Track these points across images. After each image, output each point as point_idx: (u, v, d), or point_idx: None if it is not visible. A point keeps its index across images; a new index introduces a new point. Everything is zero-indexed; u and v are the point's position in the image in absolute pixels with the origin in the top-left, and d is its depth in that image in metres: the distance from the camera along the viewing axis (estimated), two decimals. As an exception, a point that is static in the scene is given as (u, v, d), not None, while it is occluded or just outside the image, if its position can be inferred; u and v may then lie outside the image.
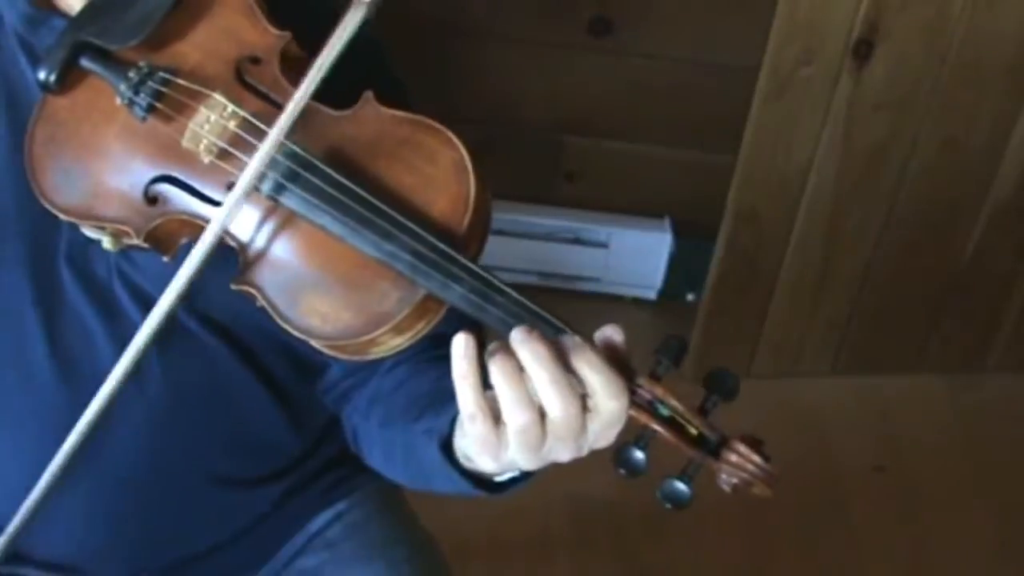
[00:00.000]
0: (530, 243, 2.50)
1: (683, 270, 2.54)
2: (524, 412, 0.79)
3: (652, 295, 2.58)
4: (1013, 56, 2.08)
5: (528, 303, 0.83)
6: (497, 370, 0.79)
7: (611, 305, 2.57)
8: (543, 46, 2.35)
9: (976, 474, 2.32)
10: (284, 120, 0.85)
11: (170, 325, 0.90)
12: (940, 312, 2.43)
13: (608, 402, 0.79)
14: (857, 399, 2.45)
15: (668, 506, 0.83)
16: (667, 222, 2.52)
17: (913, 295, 2.40)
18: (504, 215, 2.47)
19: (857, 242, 2.30)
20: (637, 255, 2.52)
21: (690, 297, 2.56)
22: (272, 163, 0.86)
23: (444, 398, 0.92)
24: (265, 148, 0.85)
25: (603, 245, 2.51)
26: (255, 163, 0.85)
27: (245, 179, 0.85)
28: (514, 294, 0.83)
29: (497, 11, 2.31)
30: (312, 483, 1.20)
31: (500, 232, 2.47)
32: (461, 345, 0.80)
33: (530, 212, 2.49)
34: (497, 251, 2.46)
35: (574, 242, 2.52)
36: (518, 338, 0.79)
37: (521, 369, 0.79)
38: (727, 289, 2.33)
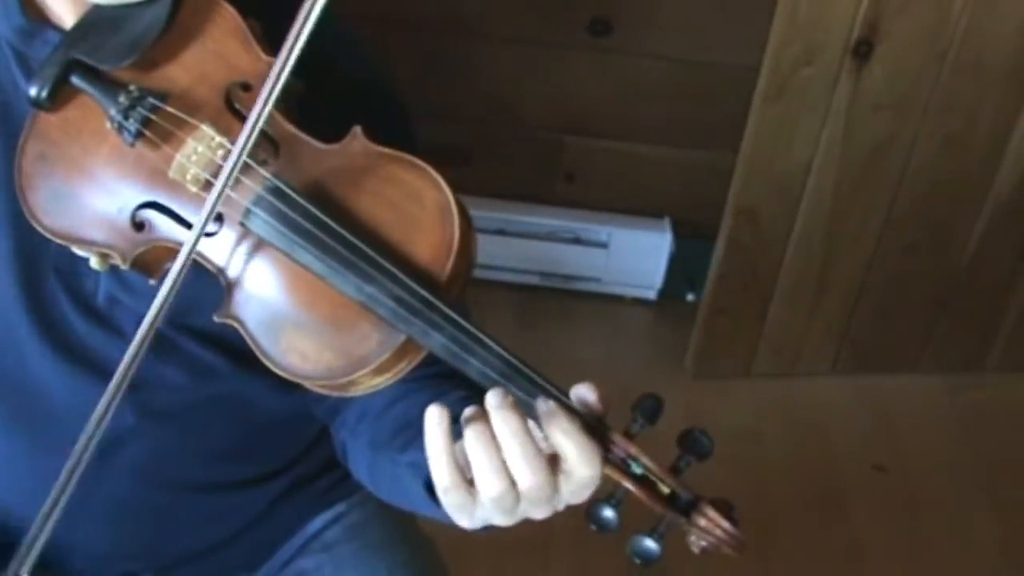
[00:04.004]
0: (530, 243, 2.50)
1: (683, 270, 2.54)
2: (498, 481, 0.80)
3: (652, 295, 2.58)
4: (1013, 56, 2.08)
5: (509, 356, 0.82)
6: (472, 438, 0.80)
7: (611, 305, 2.57)
8: (542, 46, 2.35)
9: (976, 474, 2.32)
10: (249, 125, 0.84)
11: (160, 342, 0.89)
12: (940, 312, 2.43)
13: (582, 469, 0.80)
14: (857, 399, 2.45)
15: (638, 562, 0.83)
16: (667, 222, 2.52)
17: (913, 295, 2.40)
18: (504, 215, 2.47)
19: (857, 242, 2.30)
20: (637, 255, 2.53)
21: (690, 297, 2.56)
22: (252, 195, 0.85)
23: None
24: (235, 154, 0.84)
25: (603, 245, 2.51)
26: (224, 172, 0.84)
27: (212, 198, 0.84)
28: (495, 346, 0.82)
29: (496, 11, 2.31)
30: (310, 484, 1.20)
31: (500, 232, 2.47)
32: (435, 417, 0.81)
33: (530, 212, 2.50)
34: (497, 251, 2.46)
35: (574, 242, 2.52)
36: (493, 403, 0.80)
37: (495, 438, 0.80)
38: (727, 289, 2.33)
